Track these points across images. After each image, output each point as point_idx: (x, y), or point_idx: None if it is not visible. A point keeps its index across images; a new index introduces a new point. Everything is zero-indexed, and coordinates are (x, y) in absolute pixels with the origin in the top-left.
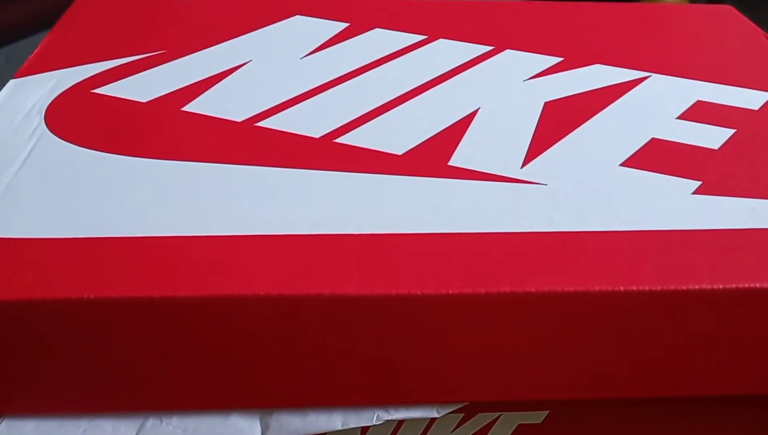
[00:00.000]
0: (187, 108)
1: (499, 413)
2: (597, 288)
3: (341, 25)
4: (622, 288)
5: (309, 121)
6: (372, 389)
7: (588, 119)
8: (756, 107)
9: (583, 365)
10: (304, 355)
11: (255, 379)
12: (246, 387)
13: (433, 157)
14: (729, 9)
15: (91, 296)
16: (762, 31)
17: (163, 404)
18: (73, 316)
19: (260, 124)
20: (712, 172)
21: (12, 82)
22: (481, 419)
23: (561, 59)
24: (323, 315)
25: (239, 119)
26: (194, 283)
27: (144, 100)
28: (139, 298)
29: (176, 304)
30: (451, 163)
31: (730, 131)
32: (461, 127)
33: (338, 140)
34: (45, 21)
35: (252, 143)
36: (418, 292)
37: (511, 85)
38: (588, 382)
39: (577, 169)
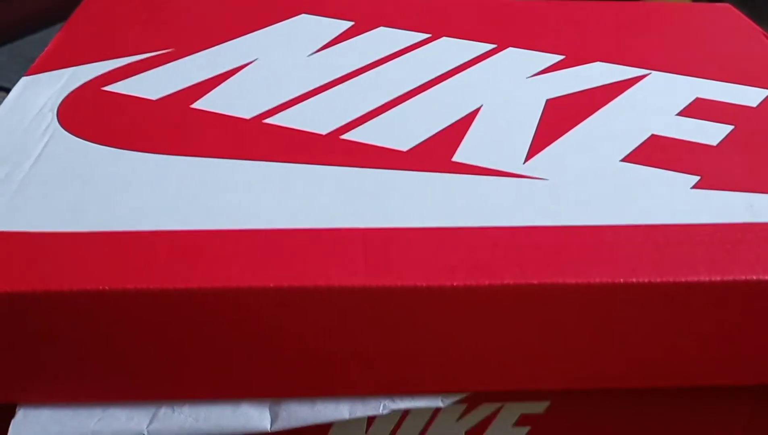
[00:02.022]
0: (196, 105)
1: (502, 403)
2: (597, 280)
3: (346, 24)
4: (622, 280)
5: (316, 118)
6: (378, 379)
7: (589, 116)
8: (754, 104)
9: (583, 356)
10: (313, 345)
11: (265, 370)
12: (256, 377)
13: (437, 153)
14: (728, 7)
15: (105, 288)
16: (760, 29)
17: (176, 394)
18: (87, 307)
19: (268, 120)
20: (710, 167)
21: (24, 79)
22: (485, 409)
23: (563, 57)
24: (331, 306)
25: (247, 116)
26: (205, 275)
27: (154, 98)
28: (152, 289)
29: (187, 296)
30: (455, 158)
31: (729, 127)
32: (465, 123)
33: (344, 136)
34: (48, 18)
35: (260, 139)
36: (423, 284)
37: (514, 83)
38: (588, 372)
39: (578, 164)
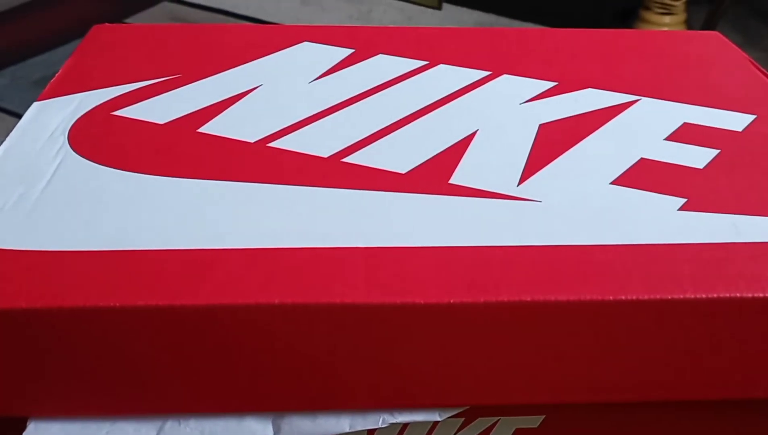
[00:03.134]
0: (203, 129)
1: (498, 418)
2: (588, 297)
3: (347, 51)
4: (611, 297)
5: (318, 142)
6: (378, 393)
7: (580, 140)
8: (740, 129)
9: (576, 370)
10: (315, 360)
11: (268, 384)
12: (259, 391)
13: (434, 176)
14: (716, 35)
15: (115, 304)
16: (747, 56)
17: (182, 407)
18: (96, 323)
19: (272, 144)
20: (697, 190)
21: (36, 104)
22: (481, 423)
23: (555, 84)
24: (332, 322)
25: (252, 140)
26: (211, 292)
27: (162, 122)
28: (160, 306)
29: (194, 312)
30: (452, 181)
31: (715, 151)
32: (461, 147)
33: (346, 160)
34: (49, 41)
35: (264, 162)
36: (422, 301)
37: (508, 108)
38: (581, 386)
39: (570, 187)
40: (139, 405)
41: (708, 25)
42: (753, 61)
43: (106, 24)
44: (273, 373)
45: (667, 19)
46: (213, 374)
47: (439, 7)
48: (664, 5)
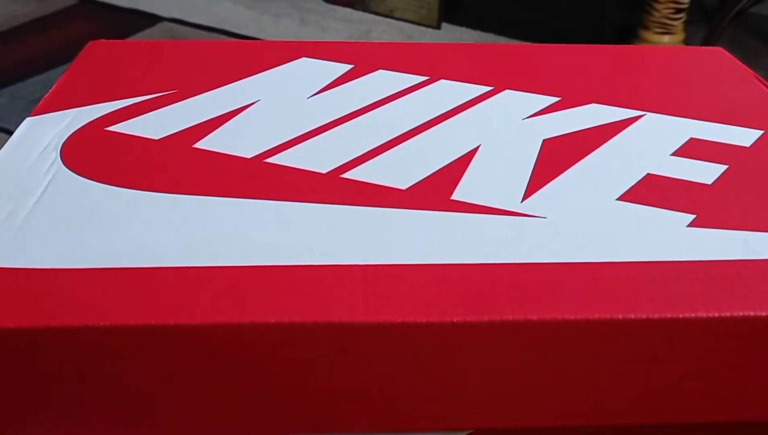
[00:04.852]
0: (199, 145)
1: None
2: (596, 316)
3: (346, 67)
4: (620, 316)
5: (316, 158)
6: (378, 416)
7: (585, 156)
8: (748, 144)
9: (583, 392)
10: (312, 381)
11: (264, 407)
12: (255, 414)
13: (436, 192)
14: (720, 51)
15: (106, 324)
16: (752, 72)
17: (175, 432)
18: (86, 344)
19: (269, 160)
20: (706, 206)
21: (28, 120)
22: None
23: (558, 99)
24: (331, 342)
25: (249, 155)
26: (205, 311)
27: (156, 138)
28: (153, 325)
29: (188, 332)
30: (454, 197)
31: (723, 167)
32: (463, 163)
33: (345, 175)
34: (48, 61)
35: (261, 178)
36: (423, 320)
37: (511, 124)
38: (588, 408)
39: (575, 203)
40: (131, 430)
41: (707, 45)
42: (758, 76)
43: (102, 40)
44: (269, 396)
45: (665, 38)
46: (207, 397)
47: (438, 27)
48: (663, 25)
